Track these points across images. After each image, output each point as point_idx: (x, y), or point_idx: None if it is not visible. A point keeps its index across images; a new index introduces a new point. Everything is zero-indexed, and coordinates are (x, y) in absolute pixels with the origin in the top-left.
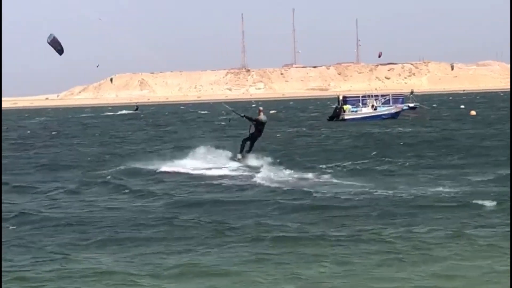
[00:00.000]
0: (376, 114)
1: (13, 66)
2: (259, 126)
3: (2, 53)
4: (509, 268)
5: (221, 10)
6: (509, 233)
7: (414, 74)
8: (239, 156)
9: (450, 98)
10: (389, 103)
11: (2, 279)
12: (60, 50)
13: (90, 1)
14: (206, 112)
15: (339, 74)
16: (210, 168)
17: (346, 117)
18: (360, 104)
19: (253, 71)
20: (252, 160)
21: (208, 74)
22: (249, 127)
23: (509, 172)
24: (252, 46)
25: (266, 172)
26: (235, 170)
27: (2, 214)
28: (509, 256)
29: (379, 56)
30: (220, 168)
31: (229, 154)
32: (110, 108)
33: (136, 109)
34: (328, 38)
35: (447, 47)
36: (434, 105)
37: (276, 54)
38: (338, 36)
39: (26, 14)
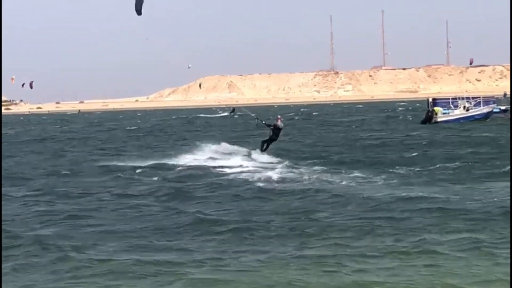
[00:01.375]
0: (469, 115)
1: (106, 70)
2: (276, 131)
3: (99, 58)
4: None
5: (309, 12)
6: None
7: (505, 76)
8: (260, 153)
9: None
10: (480, 106)
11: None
12: (138, 11)
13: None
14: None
15: (429, 76)
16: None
17: (438, 119)
18: (452, 106)
19: (341, 73)
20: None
21: (296, 76)
22: (269, 131)
23: None
24: (341, 48)
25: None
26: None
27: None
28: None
29: (471, 63)
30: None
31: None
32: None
33: (233, 111)
34: (418, 39)
35: None
36: None
37: (364, 56)
38: (428, 38)
39: (117, 19)
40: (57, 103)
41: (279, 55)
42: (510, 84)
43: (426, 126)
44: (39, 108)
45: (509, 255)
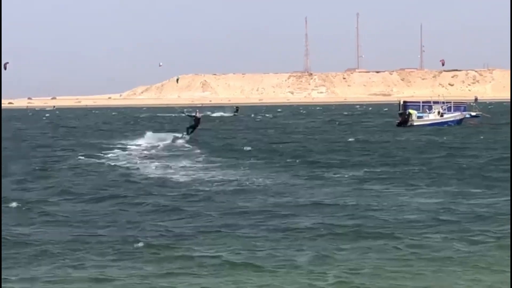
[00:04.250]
0: (443, 121)
1: (77, 65)
2: (196, 120)
3: (70, 52)
4: None
5: (285, 13)
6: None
7: (478, 81)
8: (185, 136)
9: None
10: (451, 111)
11: None
12: None
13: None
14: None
15: (402, 80)
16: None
17: (414, 123)
18: (427, 110)
19: (315, 74)
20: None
21: (270, 77)
22: (190, 120)
23: None
24: (315, 50)
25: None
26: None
27: None
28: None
29: (443, 65)
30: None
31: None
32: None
33: (236, 111)
34: (392, 43)
35: None
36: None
37: (339, 58)
38: (402, 42)
39: (87, 16)
40: (29, 98)
41: (253, 55)
42: (510, 90)
43: (402, 128)
44: (11, 103)
45: (509, 256)
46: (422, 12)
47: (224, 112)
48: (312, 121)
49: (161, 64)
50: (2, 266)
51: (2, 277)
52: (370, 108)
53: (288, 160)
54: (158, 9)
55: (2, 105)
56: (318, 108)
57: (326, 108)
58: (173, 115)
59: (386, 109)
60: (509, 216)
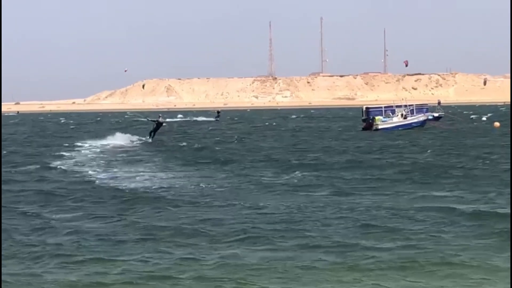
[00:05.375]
0: (407, 123)
1: (42, 70)
2: (159, 124)
3: (31, 56)
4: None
5: (249, 17)
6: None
7: (441, 85)
8: (148, 139)
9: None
10: (413, 113)
11: None
12: None
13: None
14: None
15: (366, 83)
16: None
17: (379, 127)
18: (390, 113)
19: (280, 79)
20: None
21: (235, 81)
22: (152, 125)
23: None
24: (279, 54)
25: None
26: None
27: None
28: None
29: (406, 66)
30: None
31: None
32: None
33: (218, 115)
34: (356, 47)
35: (474, 58)
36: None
37: (303, 63)
38: (366, 46)
39: (49, 18)
40: None
41: (218, 59)
42: (510, 92)
43: (367, 132)
44: None
45: (510, 257)
46: (385, 16)
47: (206, 117)
48: (251, 125)
49: (126, 69)
50: None
51: None
52: (328, 113)
53: (204, 162)
54: (122, 14)
55: None
56: (266, 111)
57: (275, 112)
58: (126, 117)
59: (341, 113)
60: (509, 216)
